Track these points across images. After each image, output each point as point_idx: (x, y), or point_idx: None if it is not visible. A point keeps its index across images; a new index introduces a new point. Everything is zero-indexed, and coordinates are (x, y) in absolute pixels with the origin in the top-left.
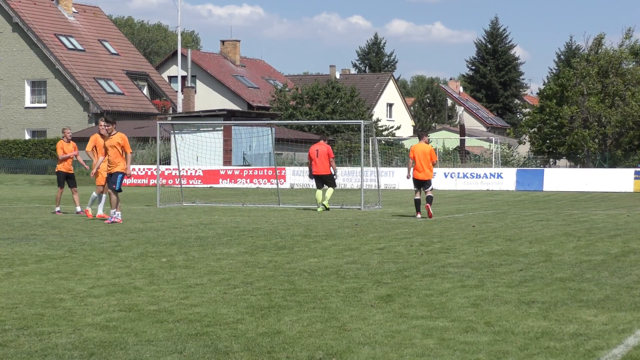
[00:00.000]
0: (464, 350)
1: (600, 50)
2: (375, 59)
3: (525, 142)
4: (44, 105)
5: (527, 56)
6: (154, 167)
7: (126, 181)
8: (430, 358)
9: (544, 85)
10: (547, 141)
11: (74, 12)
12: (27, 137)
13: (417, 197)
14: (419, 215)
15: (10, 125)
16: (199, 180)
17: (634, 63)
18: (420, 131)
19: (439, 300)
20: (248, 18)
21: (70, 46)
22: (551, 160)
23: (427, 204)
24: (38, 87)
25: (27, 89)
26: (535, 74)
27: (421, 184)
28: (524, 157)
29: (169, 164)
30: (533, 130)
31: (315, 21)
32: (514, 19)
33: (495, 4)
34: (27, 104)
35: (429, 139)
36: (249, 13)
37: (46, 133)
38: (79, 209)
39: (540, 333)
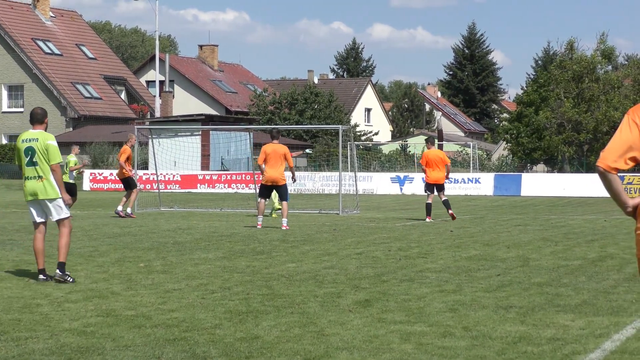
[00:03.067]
0: (441, 355)
1: (574, 56)
2: (354, 64)
3: (505, 149)
4: (21, 109)
5: (508, 61)
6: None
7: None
8: None
9: (521, 90)
10: (523, 147)
11: (52, 17)
12: (4, 141)
13: (429, 201)
14: (429, 219)
15: None
16: (177, 185)
17: (609, 67)
18: (427, 139)
19: (416, 305)
20: (232, 23)
21: (48, 50)
22: (529, 165)
23: (450, 211)
24: (15, 91)
25: (4, 93)
26: (516, 79)
27: (436, 187)
28: (502, 159)
29: (147, 169)
30: (510, 135)
31: (297, 27)
32: (496, 24)
33: (478, 9)
34: (4, 108)
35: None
36: (232, 18)
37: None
38: (120, 208)
39: (517, 338)
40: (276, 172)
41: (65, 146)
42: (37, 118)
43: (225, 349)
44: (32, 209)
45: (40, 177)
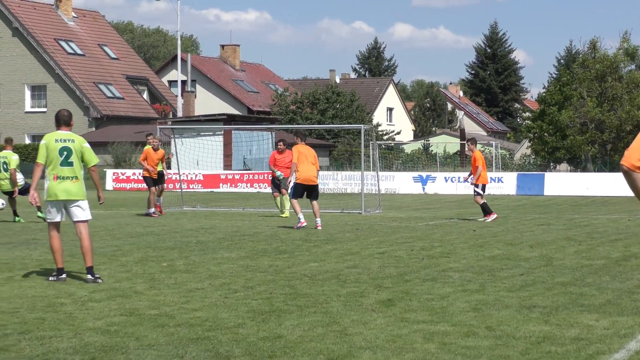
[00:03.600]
0: (465, 355)
1: (597, 55)
2: (375, 64)
3: (528, 148)
4: (44, 109)
5: (530, 60)
6: None
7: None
8: None
9: (543, 89)
10: (547, 145)
11: (74, 17)
12: (27, 141)
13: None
14: (492, 216)
15: (10, 129)
16: (200, 185)
17: (632, 66)
18: (469, 140)
19: (440, 305)
20: (254, 23)
21: (70, 51)
22: (551, 164)
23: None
24: (38, 91)
25: (27, 93)
26: (538, 78)
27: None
28: (524, 158)
29: (169, 169)
30: (533, 134)
31: (319, 27)
32: (517, 23)
33: (500, 8)
34: (27, 108)
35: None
36: (254, 18)
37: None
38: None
39: (541, 337)
40: (313, 172)
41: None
42: (65, 120)
43: (248, 348)
44: (54, 209)
45: (75, 177)
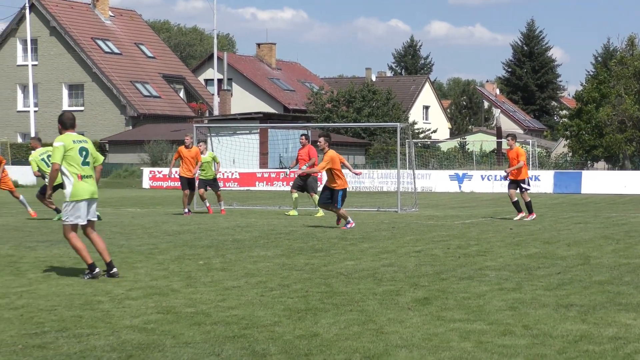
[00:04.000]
0: (501, 354)
1: (634, 52)
2: (411, 62)
3: (565, 146)
4: (82, 108)
5: (567, 58)
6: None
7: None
8: None
9: (581, 87)
10: (584, 144)
11: (111, 16)
12: None
13: (515, 198)
14: (520, 215)
15: (48, 128)
16: (236, 183)
17: None
18: (510, 135)
19: (476, 303)
20: (290, 21)
21: (107, 49)
22: (589, 162)
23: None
24: (75, 90)
25: (65, 92)
26: (575, 76)
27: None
28: (561, 157)
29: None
30: (571, 132)
31: (355, 25)
32: (555, 21)
33: (537, 5)
34: (65, 107)
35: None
36: (290, 17)
37: (84, 136)
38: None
39: (578, 336)
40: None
41: (125, 145)
42: (73, 122)
43: (284, 346)
44: (81, 209)
45: (92, 176)
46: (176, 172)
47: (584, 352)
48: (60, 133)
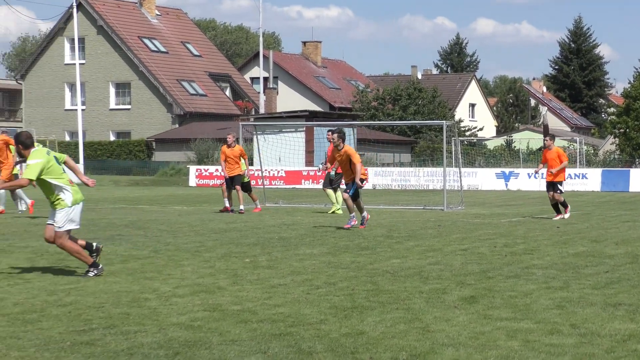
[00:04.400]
0: (549, 353)
1: None
2: (457, 59)
3: (613, 144)
4: (129, 106)
5: (615, 55)
6: None
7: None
8: None
9: (629, 84)
10: (632, 141)
11: (157, 15)
12: (112, 138)
13: (552, 198)
14: (557, 217)
15: (96, 126)
16: (282, 181)
17: None
18: (549, 135)
19: (523, 302)
20: (336, 19)
21: (154, 48)
22: (637, 160)
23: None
24: (122, 89)
25: (112, 91)
26: (623, 73)
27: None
28: (609, 154)
29: (252, 165)
30: (619, 130)
31: (400, 23)
32: (602, 17)
33: (584, 2)
34: (112, 105)
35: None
36: (336, 15)
37: (130, 134)
38: (242, 207)
39: (627, 335)
40: None
41: (171, 143)
42: (32, 141)
43: (330, 344)
44: (79, 213)
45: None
46: (216, 169)
47: (632, 352)
48: (21, 154)
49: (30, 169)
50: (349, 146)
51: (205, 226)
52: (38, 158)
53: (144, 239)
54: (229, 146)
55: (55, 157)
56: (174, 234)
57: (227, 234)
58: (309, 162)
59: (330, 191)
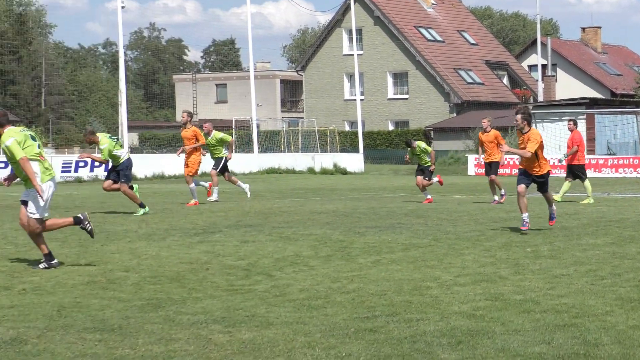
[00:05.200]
0: None
1: None
2: None
3: None
4: (406, 96)
5: None
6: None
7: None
8: None
9: None
10: None
11: (433, 4)
12: (391, 127)
13: None
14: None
15: (374, 116)
16: (562, 170)
17: None
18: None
19: None
20: (616, 4)
21: (430, 37)
22: None
23: None
24: (400, 78)
25: (390, 80)
26: None
27: None
28: None
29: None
30: None
31: None
32: None
33: None
34: (390, 95)
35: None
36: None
37: (408, 124)
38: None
39: None
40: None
41: (449, 132)
42: (7, 118)
43: (617, 336)
44: (53, 189)
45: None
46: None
47: None
48: None
49: (15, 149)
50: (536, 131)
51: (485, 215)
52: (12, 138)
53: (424, 228)
54: (484, 131)
55: (31, 135)
56: (453, 222)
57: (507, 223)
58: (590, 150)
59: (568, 183)
